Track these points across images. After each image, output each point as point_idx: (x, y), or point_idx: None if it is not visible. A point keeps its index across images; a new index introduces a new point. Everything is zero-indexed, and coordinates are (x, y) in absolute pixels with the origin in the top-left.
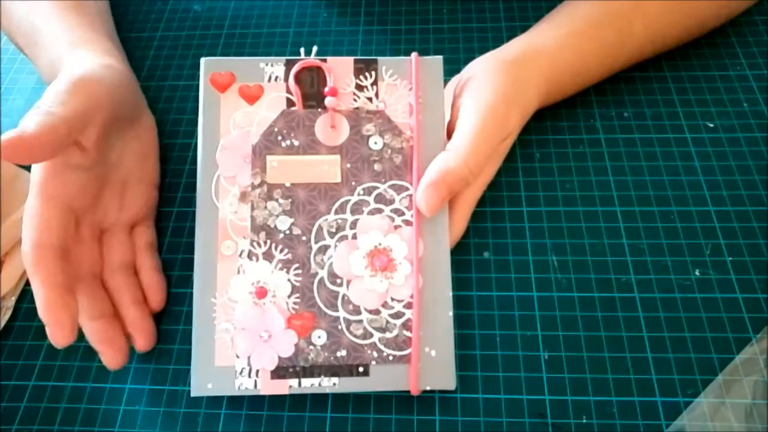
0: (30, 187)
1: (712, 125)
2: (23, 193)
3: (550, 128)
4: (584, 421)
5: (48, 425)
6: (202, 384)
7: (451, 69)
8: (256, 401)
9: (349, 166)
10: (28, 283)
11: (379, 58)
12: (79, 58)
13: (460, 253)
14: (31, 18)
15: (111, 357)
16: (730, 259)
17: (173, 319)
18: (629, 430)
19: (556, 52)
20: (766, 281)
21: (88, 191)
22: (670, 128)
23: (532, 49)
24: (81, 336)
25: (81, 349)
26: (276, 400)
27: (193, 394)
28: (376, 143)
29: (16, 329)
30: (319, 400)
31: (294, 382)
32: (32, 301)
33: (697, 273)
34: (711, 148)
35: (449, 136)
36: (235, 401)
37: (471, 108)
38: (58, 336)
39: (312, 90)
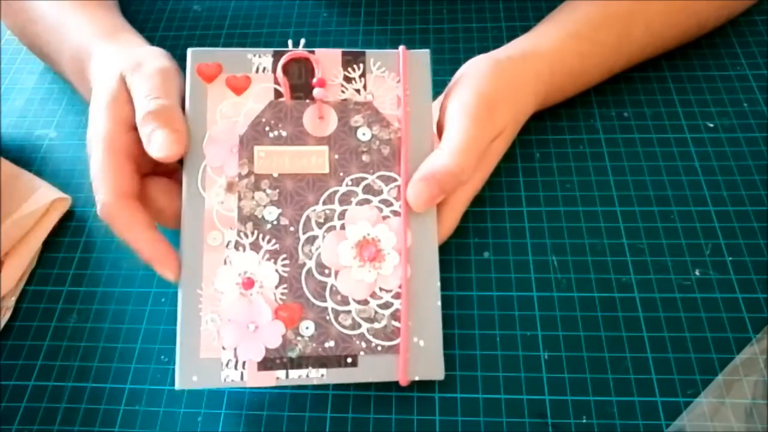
0: (94, 143)
1: (712, 125)
2: (23, 193)
3: (550, 128)
4: (584, 421)
5: (48, 425)
6: (186, 377)
7: (452, 69)
8: (256, 401)
9: (337, 157)
10: (28, 283)
11: (367, 50)
12: (124, 42)
13: (460, 253)
14: (55, 11)
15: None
16: (730, 259)
17: (173, 318)
18: (629, 430)
19: (555, 53)
20: (766, 281)
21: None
22: (670, 128)
23: (531, 50)
24: (81, 336)
25: (81, 349)
26: (276, 400)
27: (177, 387)
28: (364, 134)
29: (16, 329)
30: (319, 400)
31: (281, 373)
32: (32, 301)
33: (697, 273)
34: (711, 148)
35: (438, 135)
36: (236, 401)
37: (454, 110)
38: (174, 266)
39: (300, 81)
